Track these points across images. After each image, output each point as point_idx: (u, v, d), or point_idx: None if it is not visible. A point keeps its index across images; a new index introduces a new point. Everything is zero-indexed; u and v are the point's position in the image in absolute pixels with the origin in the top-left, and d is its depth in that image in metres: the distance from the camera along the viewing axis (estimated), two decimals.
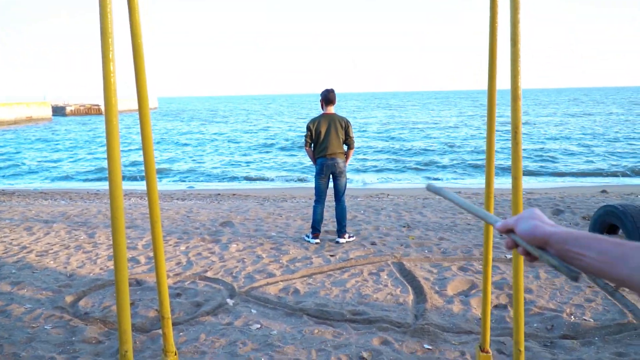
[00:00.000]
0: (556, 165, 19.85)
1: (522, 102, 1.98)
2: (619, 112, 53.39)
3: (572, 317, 4.28)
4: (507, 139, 28.73)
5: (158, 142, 31.30)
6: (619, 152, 22.45)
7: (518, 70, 1.94)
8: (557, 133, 31.88)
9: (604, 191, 12.58)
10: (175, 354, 2.79)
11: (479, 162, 20.07)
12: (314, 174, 6.88)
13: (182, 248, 6.63)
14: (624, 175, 17.43)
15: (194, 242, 6.95)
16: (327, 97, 6.73)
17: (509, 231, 0.96)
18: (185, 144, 31.15)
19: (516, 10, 1.89)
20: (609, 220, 5.90)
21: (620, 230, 5.71)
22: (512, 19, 1.91)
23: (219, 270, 5.70)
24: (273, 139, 32.43)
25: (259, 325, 4.25)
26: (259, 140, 32.02)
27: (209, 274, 5.57)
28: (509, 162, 18.41)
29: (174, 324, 4.29)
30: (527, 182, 15.89)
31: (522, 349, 2.12)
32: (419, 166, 20.41)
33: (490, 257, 2.53)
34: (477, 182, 16.56)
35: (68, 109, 72.99)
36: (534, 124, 39.30)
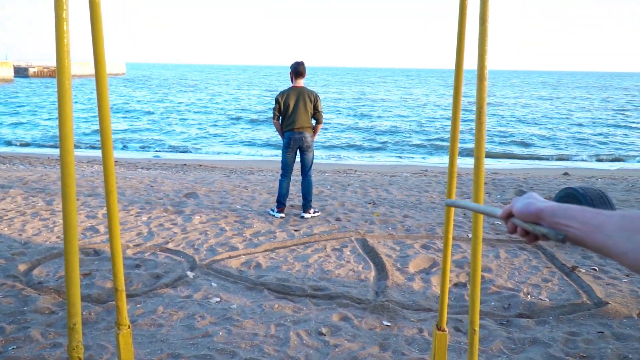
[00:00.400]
0: (525, 148, 20.17)
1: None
2: (585, 96, 54.44)
3: (529, 296, 4.37)
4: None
5: (117, 111, 30.51)
6: (584, 138, 22.95)
7: (485, 50, 1.90)
8: (526, 115, 32.35)
9: (566, 174, 12.85)
10: (129, 327, 2.73)
11: (446, 143, 20.24)
12: (281, 147, 6.80)
13: (144, 218, 6.51)
14: (587, 159, 17.84)
15: (156, 212, 6.83)
16: (297, 70, 6.62)
17: (509, 216, 1.02)
18: (151, 112, 30.50)
19: None
20: (570, 203, 6.01)
21: None
22: None
23: (181, 242, 5.62)
24: (243, 112, 32.03)
25: (218, 299, 4.21)
26: (227, 112, 31.56)
27: (170, 246, 5.48)
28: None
29: (131, 296, 4.22)
30: (492, 163, 16.12)
31: (477, 328, 2.13)
32: (388, 144, 20.46)
33: (450, 236, 2.52)
34: (444, 160, 16.72)
35: (31, 71, 70.68)
36: (501, 105, 39.78)
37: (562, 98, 51.48)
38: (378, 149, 19.40)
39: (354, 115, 31.34)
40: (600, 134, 23.93)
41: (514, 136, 22.61)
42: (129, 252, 5.27)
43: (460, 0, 2.22)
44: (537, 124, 28.02)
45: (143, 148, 18.61)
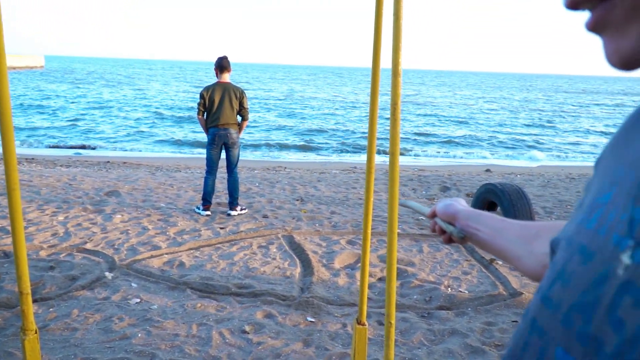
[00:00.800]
0: (450, 147, 20.82)
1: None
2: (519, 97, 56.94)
3: (449, 289, 4.50)
4: (421, 114, 29.76)
5: (25, 106, 28.93)
6: (506, 135, 24.00)
7: (399, 46, 1.92)
8: (455, 114, 33.43)
9: (488, 170, 13.38)
10: (36, 332, 2.58)
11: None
12: (206, 143, 6.66)
13: (60, 218, 6.20)
14: (507, 157, 18.67)
15: (74, 212, 6.52)
16: (221, 65, 6.51)
17: (433, 215, 1.08)
18: (70, 108, 29.13)
19: None
20: (489, 198, 6.26)
21: (499, 207, 6.09)
22: None
23: (100, 242, 5.39)
24: (168, 108, 31.20)
25: (138, 300, 4.07)
26: (152, 108, 30.62)
27: (87, 246, 5.25)
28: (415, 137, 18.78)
29: (44, 299, 4.01)
30: (418, 160, 16.56)
31: (393, 321, 2.16)
32: (317, 142, 20.57)
33: (369, 231, 2.55)
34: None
35: None
36: (432, 104, 40.95)
37: (486, 98, 53.62)
38: (307, 148, 19.44)
39: (286, 114, 31.26)
40: (522, 134, 25.10)
41: (437, 136, 23.29)
42: (43, 253, 5.00)
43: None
44: (462, 122, 29.03)
45: (63, 145, 17.75)
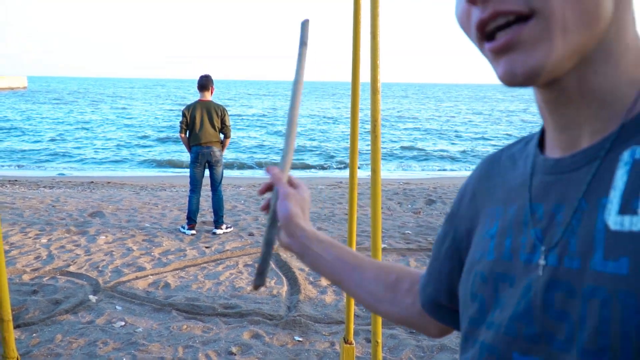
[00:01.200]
0: (434, 161, 20.96)
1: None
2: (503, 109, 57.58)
3: None
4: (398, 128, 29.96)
5: (7, 128, 28.72)
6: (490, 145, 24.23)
7: (377, 64, 1.94)
8: (436, 128, 33.69)
9: None
10: (18, 359, 2.53)
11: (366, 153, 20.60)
12: (189, 162, 6.64)
13: (43, 241, 6.12)
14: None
15: (57, 234, 6.44)
16: (201, 84, 6.53)
17: (268, 189, 0.93)
18: (53, 129, 28.91)
19: (375, 3, 1.88)
20: None
21: None
22: (371, 12, 1.90)
23: (84, 264, 5.32)
24: (150, 127, 31.08)
25: (123, 323, 4.02)
26: (133, 128, 30.46)
27: (71, 269, 5.17)
28: (394, 151, 18.84)
29: (27, 325, 3.94)
30: (404, 173, 16.62)
31: (380, 340, 2.15)
32: (302, 157, 20.60)
33: (354, 247, 2.55)
34: (360, 172, 16.99)
35: None
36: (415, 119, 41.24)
37: (469, 110, 54.16)
38: (293, 165, 19.40)
39: (273, 131, 31.29)
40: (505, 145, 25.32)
41: (422, 150, 23.45)
42: (26, 277, 4.92)
43: (354, 15, 2.26)
44: (445, 135, 29.27)
45: (46, 166, 17.59)
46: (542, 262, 0.57)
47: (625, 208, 0.51)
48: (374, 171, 2.02)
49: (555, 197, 0.58)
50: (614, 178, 0.53)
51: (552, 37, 0.50)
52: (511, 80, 0.53)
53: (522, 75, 0.52)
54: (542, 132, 0.67)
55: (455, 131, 31.57)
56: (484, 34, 0.54)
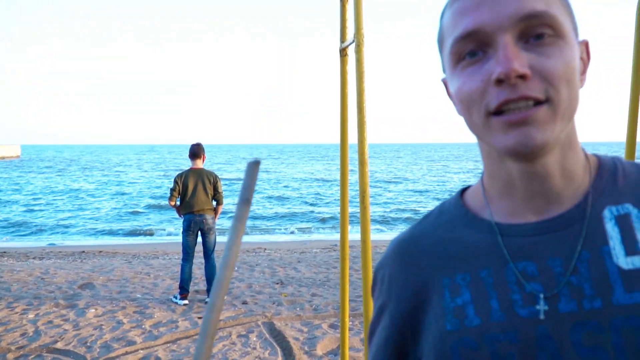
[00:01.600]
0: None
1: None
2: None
3: None
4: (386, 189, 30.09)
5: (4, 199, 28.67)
6: None
7: (364, 137, 1.96)
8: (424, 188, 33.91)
9: None
10: None
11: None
12: (182, 230, 6.58)
13: (31, 316, 5.96)
14: None
15: (45, 308, 6.29)
16: (193, 152, 6.58)
17: None
18: (43, 198, 28.84)
19: (361, 79, 1.92)
20: None
21: None
22: (357, 87, 1.94)
23: (71, 339, 5.17)
24: (143, 195, 31.11)
25: None
26: (125, 196, 30.43)
27: (58, 345, 5.01)
28: (381, 213, 18.89)
29: None
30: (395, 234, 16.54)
31: None
32: (297, 220, 20.56)
33: (347, 318, 2.49)
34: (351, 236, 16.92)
35: None
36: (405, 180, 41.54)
37: (460, 169, 54.73)
38: (285, 228, 19.38)
39: (266, 196, 31.36)
40: None
41: (414, 212, 23.50)
42: (11, 356, 4.76)
43: (342, 89, 2.31)
44: (436, 194, 29.42)
45: (37, 236, 17.42)
46: (544, 310, 0.65)
47: (630, 251, 0.64)
48: (364, 241, 2.01)
49: (546, 253, 0.67)
50: (607, 231, 0.66)
51: (556, 120, 0.63)
52: (523, 149, 0.63)
53: (534, 146, 0.62)
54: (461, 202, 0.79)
55: (449, 190, 31.77)
56: (499, 110, 0.63)
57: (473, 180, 39.34)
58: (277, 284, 7.51)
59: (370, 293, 0.88)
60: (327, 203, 25.78)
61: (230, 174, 46.88)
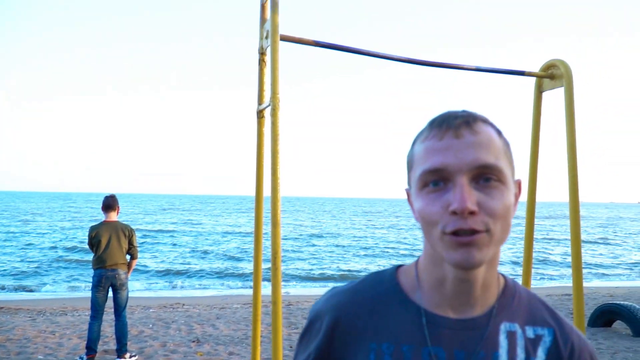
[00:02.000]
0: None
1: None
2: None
3: None
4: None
5: None
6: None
7: (278, 198, 1.98)
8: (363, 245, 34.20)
9: None
10: None
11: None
12: (91, 286, 6.24)
13: None
14: None
15: None
16: (106, 204, 6.33)
17: None
18: None
19: (275, 142, 1.96)
20: None
21: None
22: (272, 150, 1.97)
23: None
24: (52, 246, 29.43)
25: None
26: (36, 245, 28.74)
27: None
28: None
29: None
30: (315, 291, 16.49)
31: None
32: (215, 275, 20.06)
33: None
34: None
35: None
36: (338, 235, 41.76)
37: (376, 224, 55.81)
38: (202, 284, 18.85)
39: (193, 252, 30.48)
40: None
41: (337, 269, 23.57)
42: None
43: (258, 147, 2.33)
44: (364, 250, 29.75)
45: None
46: None
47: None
48: (274, 303, 1.99)
49: (456, 345, 0.88)
50: (499, 341, 0.90)
51: (491, 245, 0.83)
52: (466, 264, 0.82)
53: (474, 262, 0.82)
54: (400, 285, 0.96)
55: (375, 247, 32.21)
56: (454, 232, 0.82)
57: (387, 232, 40.29)
58: (193, 342, 7.23)
59: (299, 337, 1.01)
60: (249, 258, 25.38)
61: (148, 227, 45.21)
